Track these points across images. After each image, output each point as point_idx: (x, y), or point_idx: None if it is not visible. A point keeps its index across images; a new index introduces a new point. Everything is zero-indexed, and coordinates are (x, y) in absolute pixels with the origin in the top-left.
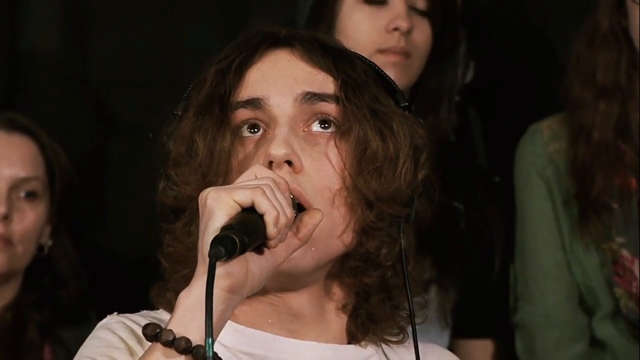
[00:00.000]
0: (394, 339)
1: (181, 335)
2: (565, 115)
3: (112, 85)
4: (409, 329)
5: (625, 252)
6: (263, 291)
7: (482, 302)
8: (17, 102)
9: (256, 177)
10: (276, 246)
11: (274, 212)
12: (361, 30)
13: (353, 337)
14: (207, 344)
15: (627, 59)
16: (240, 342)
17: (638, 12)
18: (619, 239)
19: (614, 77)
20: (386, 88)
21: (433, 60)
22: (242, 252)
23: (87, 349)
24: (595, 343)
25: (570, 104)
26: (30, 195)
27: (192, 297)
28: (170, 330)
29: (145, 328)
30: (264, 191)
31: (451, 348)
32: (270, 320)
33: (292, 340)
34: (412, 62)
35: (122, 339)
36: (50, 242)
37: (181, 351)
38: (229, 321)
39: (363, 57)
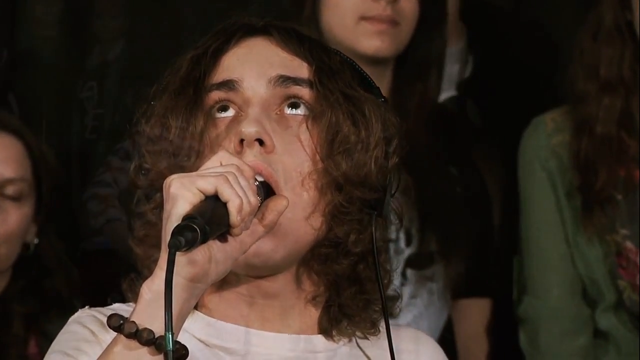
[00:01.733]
0: (366, 333)
1: (144, 326)
2: (568, 108)
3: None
4: (382, 324)
5: (629, 244)
6: (236, 281)
7: (483, 263)
8: (16, 94)
9: (221, 164)
10: (240, 234)
11: (237, 200)
12: None
13: (324, 330)
14: (166, 339)
15: (631, 53)
16: (212, 336)
17: None
18: (623, 231)
19: (618, 71)
20: (363, 83)
21: (420, 28)
22: (204, 241)
23: (59, 343)
24: (599, 335)
25: (574, 97)
26: (15, 196)
27: (154, 288)
28: (133, 321)
29: (109, 319)
30: (228, 179)
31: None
32: (242, 313)
33: (263, 332)
34: (400, 30)
35: (93, 332)
36: (36, 241)
37: (144, 343)
38: (201, 314)
39: (339, 51)
